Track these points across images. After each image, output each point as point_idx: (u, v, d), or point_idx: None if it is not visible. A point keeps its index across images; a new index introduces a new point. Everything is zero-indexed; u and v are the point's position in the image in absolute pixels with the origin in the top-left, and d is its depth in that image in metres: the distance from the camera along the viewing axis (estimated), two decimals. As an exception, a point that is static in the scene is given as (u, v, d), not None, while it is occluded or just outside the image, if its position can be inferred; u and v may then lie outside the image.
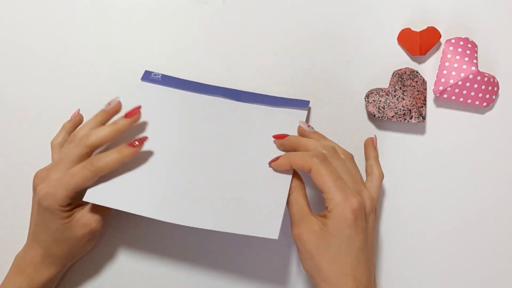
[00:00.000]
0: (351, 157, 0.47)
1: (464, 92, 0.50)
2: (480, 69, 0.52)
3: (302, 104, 0.51)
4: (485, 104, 0.51)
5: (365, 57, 0.53)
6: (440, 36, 0.51)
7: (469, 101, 0.51)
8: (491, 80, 0.51)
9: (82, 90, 0.53)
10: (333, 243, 0.42)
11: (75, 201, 0.46)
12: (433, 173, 0.52)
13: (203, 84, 0.52)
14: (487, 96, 0.51)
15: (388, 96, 0.50)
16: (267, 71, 0.53)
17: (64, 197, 0.45)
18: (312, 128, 0.49)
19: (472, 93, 0.51)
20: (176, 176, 0.46)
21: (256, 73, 0.53)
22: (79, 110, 0.52)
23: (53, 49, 0.53)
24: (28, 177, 0.53)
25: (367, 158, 0.50)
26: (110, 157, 0.45)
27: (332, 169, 0.43)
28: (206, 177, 0.47)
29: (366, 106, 0.51)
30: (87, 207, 0.47)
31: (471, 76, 0.50)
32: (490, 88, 0.51)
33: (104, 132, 0.46)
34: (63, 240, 0.46)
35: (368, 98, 0.51)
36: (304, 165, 0.44)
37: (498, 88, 0.52)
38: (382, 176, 0.48)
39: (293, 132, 0.49)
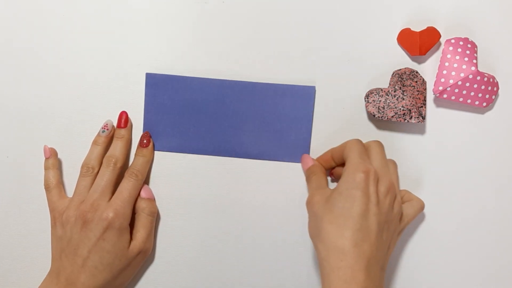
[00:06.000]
0: (395, 164, 0.49)
1: (464, 92, 0.50)
2: (480, 69, 0.52)
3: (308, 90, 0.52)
4: (485, 104, 0.51)
5: (365, 57, 0.53)
6: (440, 36, 0.51)
7: (469, 101, 0.51)
8: (491, 80, 0.51)
9: (82, 90, 0.53)
10: (338, 202, 0.43)
11: None
12: (433, 173, 0.52)
13: (205, 78, 0.53)
14: (487, 96, 0.51)
15: (388, 96, 0.50)
16: (266, 71, 0.53)
17: (130, 214, 0.49)
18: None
19: (472, 93, 0.50)
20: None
21: (255, 73, 0.53)
22: (46, 145, 0.52)
23: (53, 49, 0.53)
24: (28, 177, 0.53)
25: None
26: (141, 163, 0.51)
27: (362, 149, 0.47)
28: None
29: (366, 106, 0.51)
30: (141, 229, 0.50)
31: (471, 76, 0.50)
32: (490, 88, 0.51)
33: (122, 149, 0.51)
34: (120, 264, 0.48)
35: (368, 98, 0.51)
36: (341, 147, 0.48)
37: (498, 88, 0.52)
38: (422, 207, 0.49)
39: (301, 107, 0.52)
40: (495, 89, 0.51)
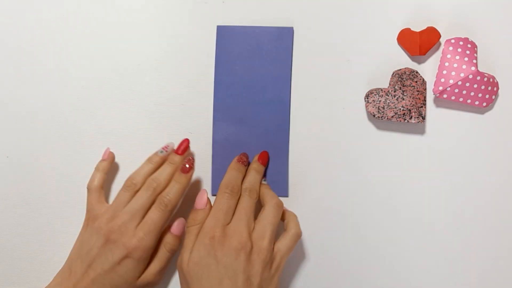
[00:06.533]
0: (276, 206, 0.48)
1: (464, 92, 0.50)
2: (480, 69, 0.52)
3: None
4: (484, 104, 0.51)
5: (365, 57, 0.53)
6: (439, 36, 0.51)
7: (468, 101, 0.51)
8: (491, 80, 0.51)
9: (82, 90, 0.53)
10: (197, 272, 0.45)
11: None
12: (433, 173, 0.52)
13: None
14: (487, 96, 0.51)
15: (388, 96, 0.50)
16: (267, 71, 0.53)
17: (153, 246, 0.48)
18: (265, 181, 0.52)
19: (472, 93, 0.50)
20: None
21: (256, 73, 0.53)
22: (109, 148, 0.52)
23: (53, 49, 0.53)
24: (28, 177, 0.53)
25: (284, 217, 0.50)
26: (174, 191, 0.48)
27: (223, 203, 0.47)
28: None
29: (366, 106, 0.51)
30: (156, 261, 0.49)
31: (470, 76, 0.50)
32: (490, 88, 0.51)
33: (168, 175, 0.49)
34: None
35: (368, 98, 0.51)
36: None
37: (498, 88, 0.52)
38: (297, 234, 0.48)
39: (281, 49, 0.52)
40: (495, 89, 0.51)
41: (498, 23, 0.52)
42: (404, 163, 0.52)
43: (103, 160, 0.52)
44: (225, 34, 0.52)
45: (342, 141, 0.53)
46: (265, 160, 0.51)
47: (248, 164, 0.51)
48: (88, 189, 0.51)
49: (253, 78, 0.52)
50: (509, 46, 0.52)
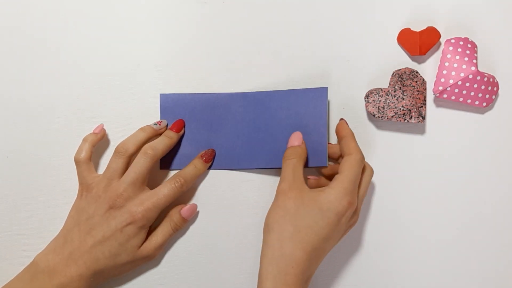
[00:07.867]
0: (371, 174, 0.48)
1: (464, 92, 0.51)
2: (480, 69, 0.52)
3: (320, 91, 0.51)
4: (485, 104, 0.51)
5: (365, 57, 0.53)
6: (439, 36, 0.51)
7: (469, 101, 0.51)
8: (491, 80, 0.51)
9: (82, 90, 0.53)
10: (314, 215, 0.43)
11: None
12: (433, 173, 0.52)
13: (215, 93, 0.52)
14: (487, 96, 0.51)
15: (388, 96, 0.50)
16: (266, 71, 0.53)
17: (155, 217, 0.48)
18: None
19: (472, 93, 0.51)
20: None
21: (255, 73, 0.53)
22: (103, 125, 0.52)
23: (53, 49, 0.53)
24: (28, 177, 0.53)
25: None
26: (190, 174, 0.50)
27: (360, 173, 0.46)
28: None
29: (366, 106, 0.51)
30: (159, 236, 0.49)
31: (471, 76, 0.50)
32: (490, 88, 0.51)
33: (164, 145, 0.49)
34: (125, 258, 0.47)
35: (368, 98, 0.51)
36: (354, 147, 0.46)
37: (498, 88, 0.52)
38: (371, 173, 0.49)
39: (316, 109, 0.50)
40: (495, 89, 0.51)
41: (498, 23, 0.52)
42: (404, 163, 0.52)
43: (93, 133, 0.51)
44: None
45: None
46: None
47: None
48: (76, 161, 0.50)
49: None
50: (509, 46, 0.52)
